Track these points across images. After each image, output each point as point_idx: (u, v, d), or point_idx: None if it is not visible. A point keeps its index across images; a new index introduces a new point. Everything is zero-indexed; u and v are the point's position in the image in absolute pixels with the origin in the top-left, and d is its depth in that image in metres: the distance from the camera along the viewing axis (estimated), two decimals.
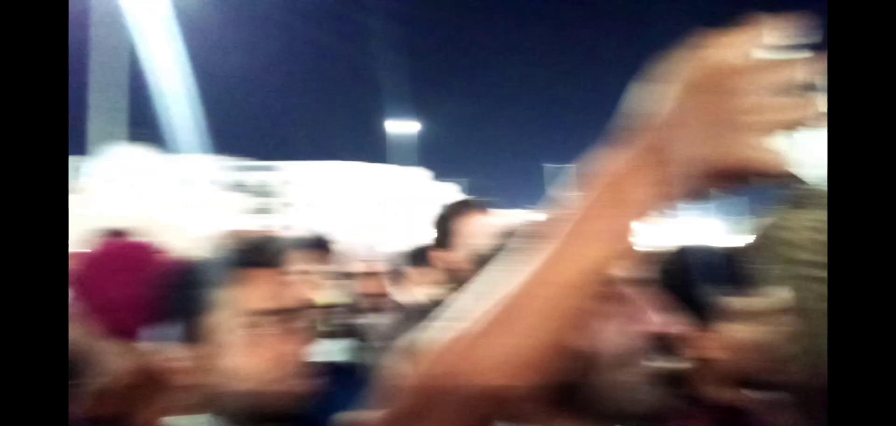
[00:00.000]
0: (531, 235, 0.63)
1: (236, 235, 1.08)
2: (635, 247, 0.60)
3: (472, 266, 1.78)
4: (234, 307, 0.97)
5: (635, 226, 0.59)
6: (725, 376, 1.15)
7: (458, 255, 1.78)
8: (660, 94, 0.58)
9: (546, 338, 0.60)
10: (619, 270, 0.62)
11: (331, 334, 1.78)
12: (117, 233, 2.10)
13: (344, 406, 1.17)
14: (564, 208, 0.62)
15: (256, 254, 1.02)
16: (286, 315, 0.99)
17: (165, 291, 1.05)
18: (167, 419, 1.07)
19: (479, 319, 0.62)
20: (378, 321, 2.02)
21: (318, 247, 2.07)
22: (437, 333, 0.65)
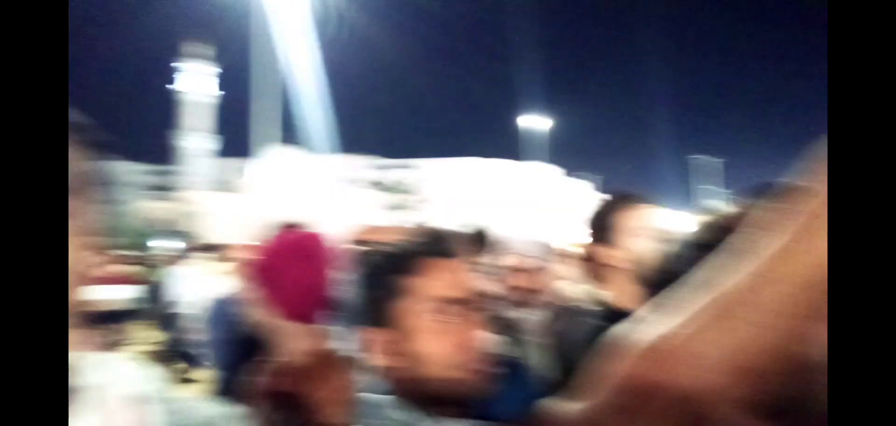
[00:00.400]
0: (752, 229, 0.58)
1: (419, 227, 1.11)
2: None
3: (635, 263, 1.71)
4: (419, 295, 1.01)
5: None
6: None
7: (619, 252, 1.71)
8: None
9: (771, 340, 0.55)
10: None
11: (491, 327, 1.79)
12: (289, 226, 2.26)
13: (508, 398, 1.17)
14: (793, 201, 0.57)
15: (439, 245, 1.06)
16: (468, 304, 1.02)
17: (354, 278, 1.11)
18: (359, 394, 1.14)
19: (695, 316, 0.58)
20: (533, 316, 2.00)
21: (478, 240, 2.08)
22: (645, 328, 0.61)
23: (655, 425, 0.60)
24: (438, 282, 1.02)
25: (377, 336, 1.04)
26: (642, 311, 0.66)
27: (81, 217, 0.59)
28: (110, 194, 0.63)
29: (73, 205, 0.57)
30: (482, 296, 1.05)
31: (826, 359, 0.70)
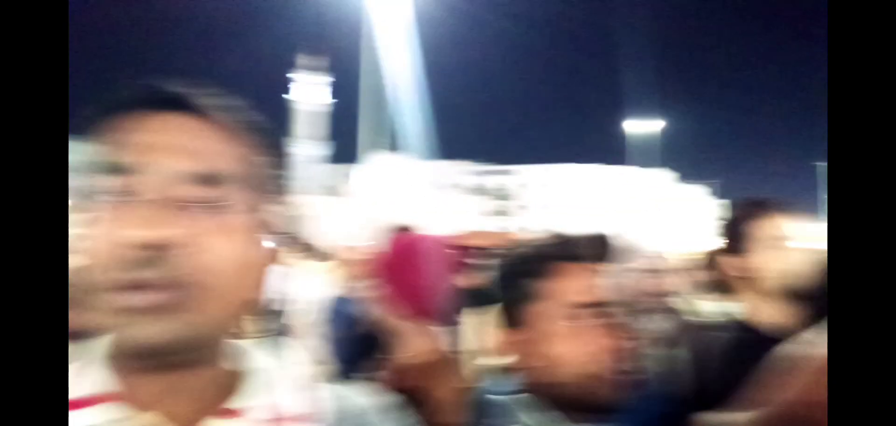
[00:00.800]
0: None
1: (553, 232, 1.11)
2: None
3: (769, 275, 1.59)
4: (554, 299, 1.01)
5: None
6: None
7: (751, 262, 1.60)
8: None
9: None
10: None
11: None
12: (401, 229, 2.32)
13: (641, 407, 1.15)
14: None
15: (573, 249, 1.06)
16: (602, 309, 1.01)
17: (484, 279, 1.14)
18: (487, 389, 1.15)
19: None
20: (659, 324, 1.92)
21: (604, 246, 2.03)
22: (817, 346, 0.57)
23: None
24: (573, 286, 1.02)
25: (511, 337, 1.05)
26: (786, 327, 0.63)
27: (259, 211, 0.61)
28: (280, 185, 0.66)
29: (252, 198, 0.60)
30: (616, 301, 1.04)
31: None
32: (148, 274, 0.52)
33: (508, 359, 1.08)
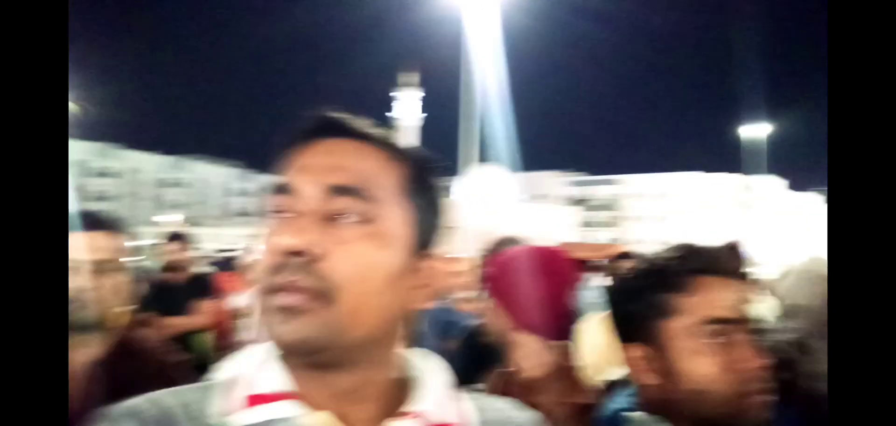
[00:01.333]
0: None
1: (686, 244, 1.06)
2: None
3: None
4: (689, 314, 0.97)
5: None
6: None
7: None
8: None
9: None
10: None
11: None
12: (508, 241, 2.30)
13: None
14: None
15: (709, 262, 1.01)
16: (740, 324, 0.96)
17: (612, 293, 1.09)
18: (611, 406, 1.11)
19: None
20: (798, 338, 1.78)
21: (737, 258, 1.92)
22: None
23: None
24: (713, 300, 0.96)
25: (637, 353, 1.01)
26: None
27: (407, 225, 0.64)
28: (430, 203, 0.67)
29: (400, 213, 0.63)
30: (753, 316, 0.98)
31: None
32: (290, 277, 0.57)
33: (632, 375, 1.04)
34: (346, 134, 0.64)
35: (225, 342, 4.79)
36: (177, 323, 3.74)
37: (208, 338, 4.03)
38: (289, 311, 0.57)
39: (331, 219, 0.59)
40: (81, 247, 1.33)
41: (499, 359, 1.54)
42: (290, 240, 0.57)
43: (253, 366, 0.63)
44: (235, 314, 4.87)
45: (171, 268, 4.23)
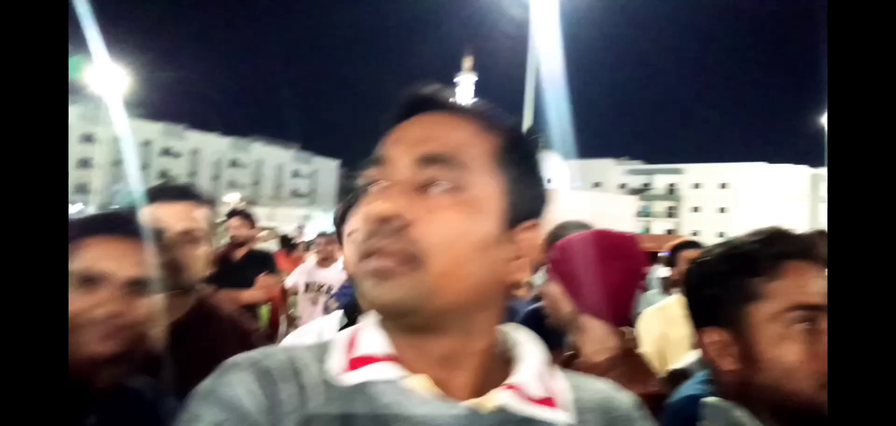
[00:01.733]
0: None
1: (775, 228, 1.02)
2: None
3: None
4: (777, 299, 0.95)
5: None
6: None
7: None
8: None
9: None
10: None
11: None
12: (574, 226, 2.26)
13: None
14: None
15: (797, 247, 0.98)
16: (826, 311, 0.92)
17: (700, 276, 1.06)
18: (685, 392, 1.10)
19: None
20: None
21: (821, 243, 1.84)
22: None
23: None
24: (798, 286, 0.94)
25: (717, 338, 0.99)
26: None
27: (501, 196, 0.65)
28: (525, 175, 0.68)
29: (493, 184, 0.64)
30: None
31: None
32: (381, 242, 0.60)
33: (709, 360, 1.01)
34: (439, 107, 0.66)
35: (278, 316, 4.97)
36: (238, 296, 3.85)
37: (265, 312, 4.14)
38: (380, 274, 0.60)
39: (422, 187, 0.62)
40: (170, 215, 1.39)
41: (560, 343, 1.52)
42: (382, 207, 0.60)
43: (359, 331, 0.67)
44: (289, 291, 5.04)
45: (234, 243, 4.37)
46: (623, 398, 0.71)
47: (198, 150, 72.89)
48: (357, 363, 0.63)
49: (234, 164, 75.73)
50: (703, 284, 1.04)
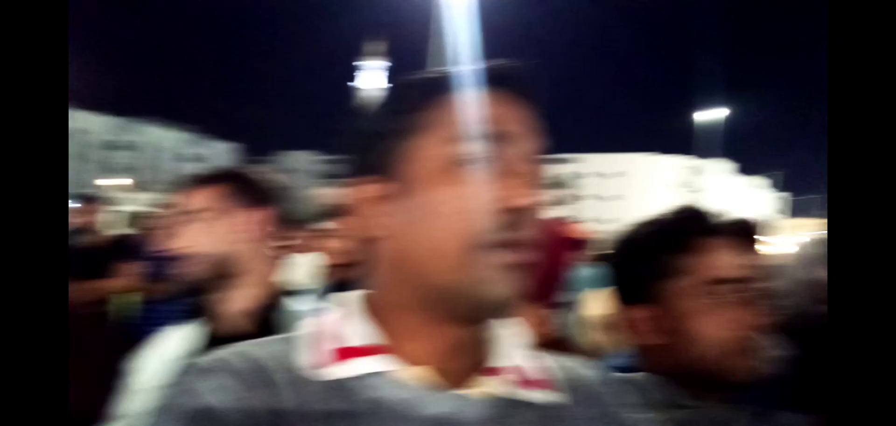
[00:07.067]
0: None
1: (693, 206, 1.06)
2: None
3: None
4: (695, 274, 0.98)
5: None
6: None
7: None
8: None
9: None
10: None
11: None
12: None
13: (773, 388, 1.09)
14: None
15: (713, 224, 1.02)
16: (742, 285, 0.97)
17: (620, 256, 1.09)
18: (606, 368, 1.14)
19: None
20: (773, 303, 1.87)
21: (741, 222, 1.98)
22: None
23: None
24: (714, 261, 0.98)
25: (636, 314, 1.02)
26: None
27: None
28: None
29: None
30: (755, 278, 1.00)
31: None
32: (515, 235, 0.58)
33: (634, 336, 1.04)
34: (520, 89, 0.63)
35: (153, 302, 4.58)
36: (96, 286, 3.62)
37: (134, 299, 3.86)
38: (510, 269, 0.57)
39: (529, 178, 0.60)
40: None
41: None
42: (521, 199, 0.58)
43: (338, 320, 0.62)
44: (166, 274, 4.71)
45: (83, 230, 4.08)
46: (590, 372, 0.72)
47: (85, 130, 67.56)
48: (345, 355, 0.59)
49: (127, 147, 70.89)
50: (626, 262, 1.07)
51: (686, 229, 1.02)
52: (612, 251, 1.12)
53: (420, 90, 0.63)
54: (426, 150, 0.60)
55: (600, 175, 69.90)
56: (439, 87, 0.62)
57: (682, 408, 0.94)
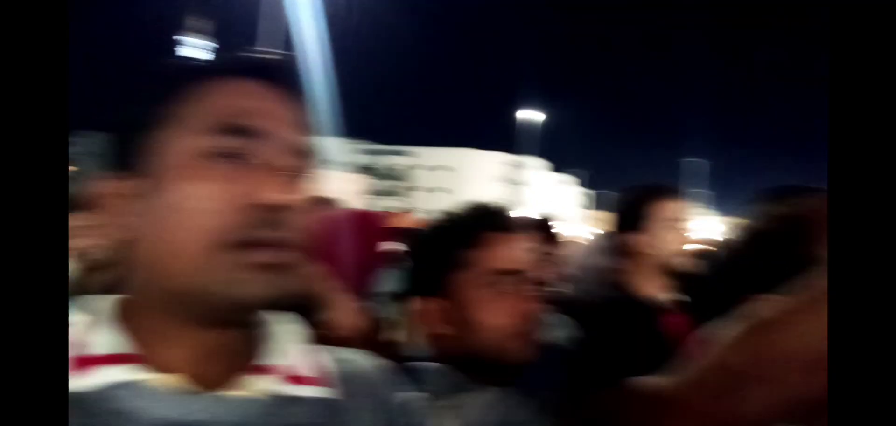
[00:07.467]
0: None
1: (479, 203, 1.13)
2: None
3: (663, 252, 1.78)
4: (478, 266, 1.04)
5: None
6: None
7: (649, 239, 1.79)
8: None
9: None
10: None
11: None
12: (325, 201, 2.31)
13: (549, 372, 1.20)
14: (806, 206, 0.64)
15: (497, 219, 1.09)
16: (522, 277, 1.05)
17: (411, 249, 1.14)
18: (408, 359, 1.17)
19: (797, 307, 0.62)
20: (567, 295, 2.07)
21: (542, 228, 2.14)
22: (743, 317, 0.66)
23: (746, 407, 0.64)
24: (496, 254, 1.04)
25: (430, 306, 1.06)
26: (673, 299, 0.69)
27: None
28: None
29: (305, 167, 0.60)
30: (535, 270, 1.09)
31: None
32: (270, 233, 0.54)
33: (426, 328, 1.08)
34: (280, 79, 0.60)
35: None
36: None
37: None
38: (265, 269, 0.54)
39: (289, 174, 0.57)
40: None
41: (305, 317, 1.57)
42: (274, 195, 0.54)
43: (82, 327, 0.57)
44: None
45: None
46: (371, 364, 0.71)
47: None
48: (85, 363, 0.54)
49: None
50: (419, 257, 1.12)
51: (472, 225, 1.08)
52: (410, 246, 1.16)
53: (167, 78, 0.59)
54: (173, 144, 0.56)
55: (430, 168, 71.90)
56: (188, 76, 0.58)
57: (464, 394, 0.99)
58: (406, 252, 1.15)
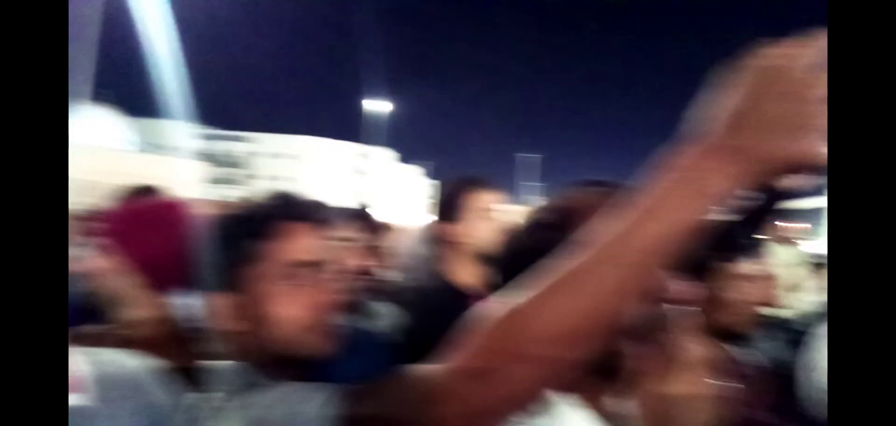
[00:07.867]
0: (601, 215, 0.66)
1: (271, 192, 1.09)
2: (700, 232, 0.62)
3: (478, 242, 1.88)
4: (272, 259, 1.00)
5: (705, 212, 0.62)
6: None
7: (464, 229, 1.88)
8: (730, 96, 0.62)
9: (606, 312, 0.64)
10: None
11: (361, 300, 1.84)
12: (145, 191, 2.14)
13: (351, 363, 1.19)
14: (636, 192, 0.64)
15: (293, 208, 1.05)
16: (319, 268, 1.02)
17: (206, 242, 1.08)
18: (204, 362, 1.10)
19: (544, 290, 0.67)
20: (377, 285, 2.11)
21: (361, 218, 2.13)
22: (501, 301, 0.70)
23: (507, 386, 0.68)
24: (292, 245, 1.01)
25: (226, 301, 1.02)
26: (485, 287, 0.73)
27: None
28: None
29: None
30: (334, 262, 1.05)
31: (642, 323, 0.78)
32: None
33: (224, 324, 1.03)
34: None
35: None
36: None
37: None
38: None
39: None
40: None
41: (108, 311, 1.44)
42: None
43: None
44: None
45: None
46: (136, 363, 0.69)
47: None
48: None
49: None
50: (214, 252, 1.05)
51: (265, 216, 1.03)
52: (201, 239, 1.11)
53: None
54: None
55: (275, 156, 69.21)
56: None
57: (257, 390, 0.95)
58: (205, 246, 1.09)
